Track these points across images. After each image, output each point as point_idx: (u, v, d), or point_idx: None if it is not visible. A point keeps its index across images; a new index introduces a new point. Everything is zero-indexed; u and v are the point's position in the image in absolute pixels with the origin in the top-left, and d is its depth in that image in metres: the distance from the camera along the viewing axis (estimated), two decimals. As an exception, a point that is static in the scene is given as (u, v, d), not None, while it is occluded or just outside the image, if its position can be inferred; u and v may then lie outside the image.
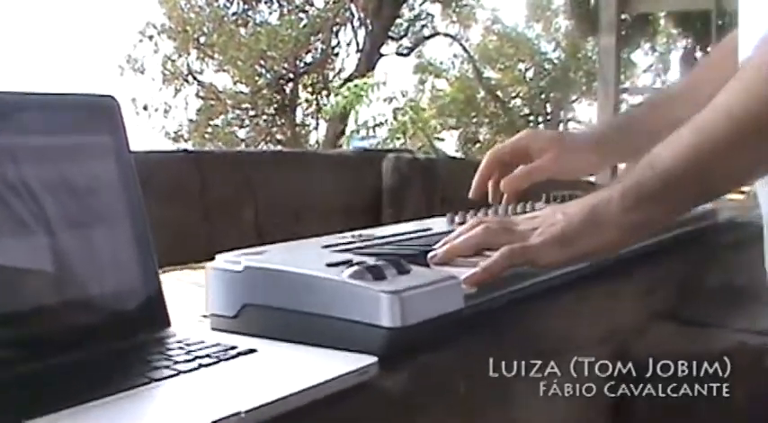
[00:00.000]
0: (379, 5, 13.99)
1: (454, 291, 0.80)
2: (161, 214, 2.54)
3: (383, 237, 1.02)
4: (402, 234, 1.06)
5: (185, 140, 14.65)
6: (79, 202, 0.74)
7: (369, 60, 13.72)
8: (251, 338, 0.75)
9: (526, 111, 16.78)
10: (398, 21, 15.15)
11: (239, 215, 3.00)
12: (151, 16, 15.37)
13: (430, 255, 0.93)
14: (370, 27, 14.32)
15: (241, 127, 14.87)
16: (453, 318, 0.79)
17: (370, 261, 0.78)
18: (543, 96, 16.55)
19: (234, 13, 14.56)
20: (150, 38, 14.94)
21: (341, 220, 3.47)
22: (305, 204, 3.29)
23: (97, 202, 0.75)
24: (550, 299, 1.01)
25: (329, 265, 0.78)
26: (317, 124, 15.03)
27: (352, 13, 14.62)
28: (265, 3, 14.56)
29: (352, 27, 14.69)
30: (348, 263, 0.78)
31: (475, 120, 16.08)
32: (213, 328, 0.81)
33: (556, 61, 16.44)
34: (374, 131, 8.42)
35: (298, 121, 15.06)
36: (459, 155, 13.39)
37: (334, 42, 14.72)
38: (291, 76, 14.63)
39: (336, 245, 0.93)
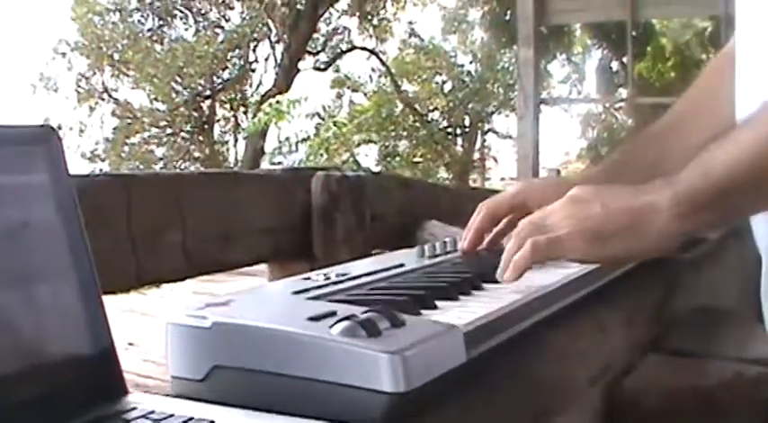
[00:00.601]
0: (295, 20, 13.90)
1: (455, 342, 0.70)
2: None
3: (354, 276, 0.92)
4: (374, 273, 0.96)
5: (101, 160, 14.36)
6: (13, 253, 0.62)
7: (286, 76, 13.62)
8: (222, 407, 0.64)
9: (444, 123, 16.80)
10: (315, 35, 15.08)
11: (167, 239, 2.87)
12: (64, 33, 15.05)
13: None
14: (287, 42, 14.21)
15: (159, 145, 14.63)
16: (457, 373, 0.69)
17: (359, 312, 0.68)
18: (461, 108, 16.58)
19: (149, 30, 14.33)
20: (63, 55, 14.63)
21: (271, 241, 3.36)
22: (234, 225, 3.17)
23: (36, 252, 0.64)
24: (540, 336, 0.92)
25: (312, 318, 0.68)
26: (236, 141, 14.87)
27: (269, 28, 14.51)
28: (181, 19, 14.37)
29: (270, 42, 14.58)
30: (332, 314, 0.68)
31: (393, 133, 16.03)
32: (178, 395, 0.69)
33: (473, 73, 16.49)
34: (296, 147, 8.31)
35: (216, 138, 14.87)
36: (378, 169, 13.34)
37: (251, 58, 14.59)
38: (209, 92, 14.45)
39: (308, 290, 0.83)
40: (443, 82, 16.62)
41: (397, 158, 15.76)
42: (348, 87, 15.87)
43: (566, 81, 15.68)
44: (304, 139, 8.23)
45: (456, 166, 16.41)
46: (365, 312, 0.68)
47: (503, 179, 17.02)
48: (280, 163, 11.88)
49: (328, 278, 0.89)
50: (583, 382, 0.95)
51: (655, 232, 0.90)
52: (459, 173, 16.13)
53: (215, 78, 14.40)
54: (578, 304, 1.02)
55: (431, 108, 16.55)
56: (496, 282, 0.92)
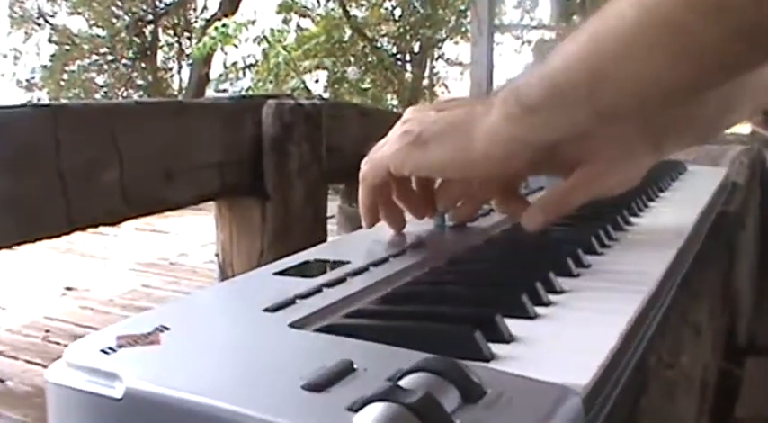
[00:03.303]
0: (240, -58, 13.40)
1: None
2: (7, 185, 2.11)
3: (358, 270, 0.67)
4: (383, 261, 0.71)
5: (39, 89, 13.86)
6: None
7: (232, 0, 13.15)
8: None
9: (394, 50, 16.48)
10: (262, -42, 14.59)
11: (102, 178, 2.63)
12: (-5, -47, 14.39)
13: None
14: (232, -36, 13.72)
15: (99, 73, 14.15)
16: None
17: (399, 367, 0.43)
18: (412, 34, 16.25)
19: (87, -50, 13.75)
20: (-6, -22, 13.99)
21: (217, 177, 3.12)
22: (177, 161, 2.94)
23: None
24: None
25: (311, 387, 0.41)
26: (180, 68, 14.44)
27: (212, -50, 13.99)
28: (120, -61, 13.80)
29: (214, -36, 14.07)
30: (350, 374, 0.42)
31: (342, 59, 15.69)
32: None
33: (424, -2, 16.15)
34: (243, 74, 7.99)
35: (159, 65, 14.43)
36: (326, 96, 13.09)
37: (195, -19, 14.10)
38: (151, 17, 13.96)
39: (295, 303, 0.57)
40: (393, 7, 16.24)
41: (346, 85, 15.45)
42: (295, 12, 15.43)
43: (518, 6, 15.41)
44: (251, 65, 7.91)
45: (406, 92, 16.15)
46: (412, 372, 0.42)
47: (451, 106, 16.92)
48: (225, 90, 11.56)
49: (321, 271, 0.65)
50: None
51: (481, 135, 0.79)
52: (409, 100, 15.89)
53: (157, 2, 13.92)
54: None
55: (381, 34, 16.20)
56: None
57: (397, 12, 16.26)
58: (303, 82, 8.88)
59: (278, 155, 3.25)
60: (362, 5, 16.19)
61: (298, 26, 15.30)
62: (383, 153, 0.85)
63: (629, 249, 0.86)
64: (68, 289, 4.28)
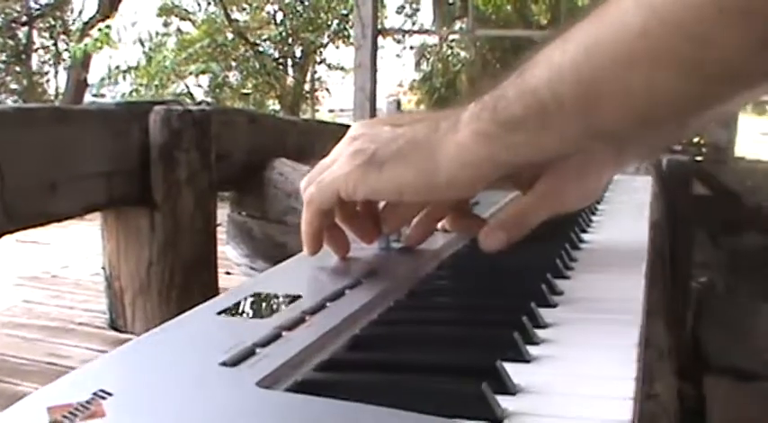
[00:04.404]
0: (117, -58, 13.06)
1: None
2: None
3: (314, 307, 0.58)
4: (338, 295, 0.62)
5: None
6: None
7: (111, 2, 12.81)
8: None
9: (276, 54, 16.33)
10: (140, -41, 14.27)
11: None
12: None
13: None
14: (110, -34, 13.38)
15: (-30, 76, 13.64)
16: None
17: None
18: (294, 39, 16.13)
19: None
20: None
21: (104, 187, 2.98)
22: (60, 171, 2.79)
23: None
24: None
25: None
26: (57, 72, 14.00)
27: (88, -50, 13.60)
28: (-10, -62, 13.31)
29: (91, -35, 13.69)
30: None
31: (224, 64, 15.46)
32: None
33: (306, 3, 16.03)
34: (124, 78, 7.76)
35: (35, 69, 13.97)
36: (208, 100, 12.89)
37: (72, -19, 13.70)
38: (25, 18, 13.51)
39: (250, 354, 0.48)
40: (275, 11, 16.09)
41: (228, 90, 15.22)
42: (176, 15, 15.12)
43: (400, 11, 15.45)
44: (131, 68, 7.69)
45: (288, 97, 16.03)
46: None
47: (331, 111, 16.87)
48: (103, 95, 11.24)
49: (272, 309, 0.55)
50: None
51: (447, 155, 0.69)
52: (291, 105, 15.78)
53: (32, 3, 13.49)
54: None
55: (263, 38, 16.02)
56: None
57: (279, 16, 16.11)
58: (187, 87, 8.69)
59: (166, 163, 3.14)
60: (244, 9, 15.99)
61: (178, 29, 15.02)
62: (333, 175, 0.75)
63: (594, 272, 0.79)
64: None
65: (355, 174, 0.73)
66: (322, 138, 4.36)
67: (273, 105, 15.92)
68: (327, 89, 17.23)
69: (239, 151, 3.72)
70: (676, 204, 2.63)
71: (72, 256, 5.07)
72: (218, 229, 3.43)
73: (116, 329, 3.18)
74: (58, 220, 2.90)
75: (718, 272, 3.53)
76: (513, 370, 0.50)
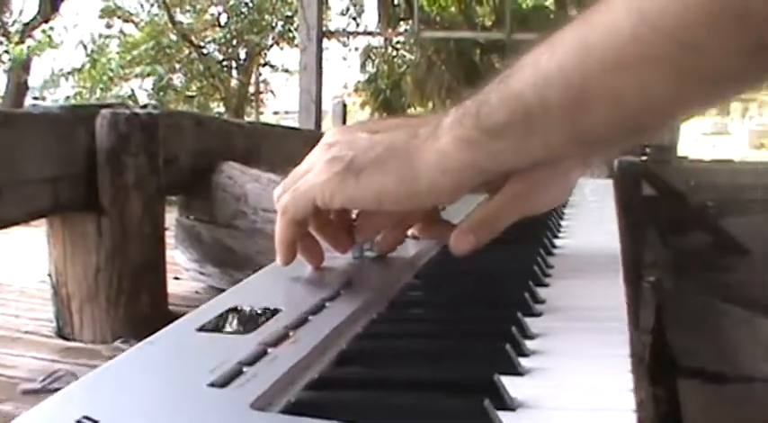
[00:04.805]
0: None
1: None
2: None
3: (296, 322, 0.55)
4: (319, 308, 0.59)
5: None
6: None
7: (52, 2, 12.63)
8: None
9: (221, 56, 16.23)
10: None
11: None
12: None
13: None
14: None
15: None
16: None
17: None
18: (238, 41, 16.04)
19: None
20: None
21: (50, 192, 2.92)
22: (4, 177, 2.73)
23: None
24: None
25: None
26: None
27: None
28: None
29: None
30: None
31: (168, 66, 15.34)
32: None
33: (250, 4, 15.95)
34: (67, 79, 7.66)
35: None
36: (154, 103, 12.76)
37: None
38: (-38, 21, 13.26)
39: (238, 373, 0.45)
40: (219, 13, 15.98)
41: (172, 92, 15.09)
42: (119, 17, 14.95)
43: (344, 13, 15.44)
44: (75, 70, 7.59)
45: (233, 100, 15.95)
46: None
47: (276, 113, 16.83)
48: (44, 98, 11.07)
49: (254, 324, 0.52)
50: None
51: (428, 162, 0.68)
52: (236, 107, 15.71)
53: (-31, 5, 13.25)
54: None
55: (207, 40, 15.91)
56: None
57: (224, 18, 16.01)
58: (133, 91, 8.60)
59: (114, 167, 3.09)
60: (188, 11, 15.86)
61: (121, 31, 14.87)
62: (309, 183, 0.73)
63: (571, 278, 0.78)
64: None
65: (332, 182, 0.70)
66: (269, 140, 4.33)
67: (218, 108, 15.83)
68: (272, 91, 17.19)
69: (186, 155, 3.67)
70: (629, 205, 2.65)
71: (16, 263, 4.98)
72: (167, 233, 3.38)
73: (63, 337, 3.12)
74: (3, 227, 2.84)
75: (666, 271, 3.57)
76: (507, 384, 0.48)
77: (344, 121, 7.88)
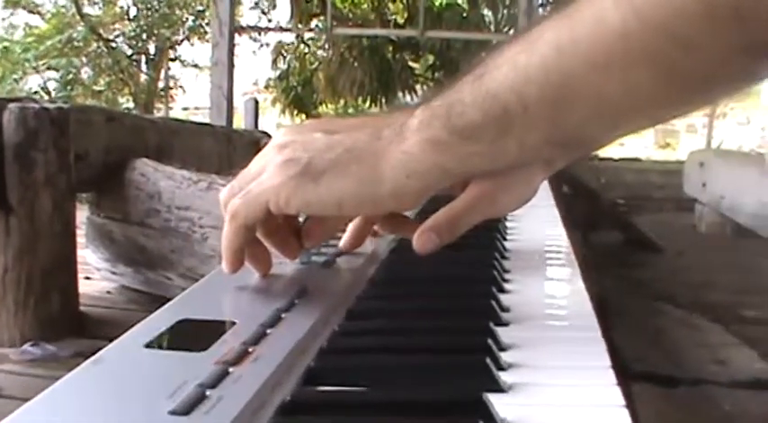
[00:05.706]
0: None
1: None
2: None
3: (254, 336, 0.51)
4: (275, 319, 0.55)
5: None
6: None
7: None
8: None
9: (130, 51, 15.92)
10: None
11: None
12: None
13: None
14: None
15: None
16: None
17: None
18: (148, 35, 15.76)
19: None
20: None
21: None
22: None
23: None
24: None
25: None
26: None
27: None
28: None
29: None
30: None
31: (75, 59, 14.98)
32: None
33: (160, -2, 15.70)
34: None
35: None
36: (60, 97, 12.49)
37: None
38: None
39: (201, 398, 0.41)
40: (129, 6, 15.68)
41: (79, 87, 14.75)
42: (23, 7, 14.55)
43: (255, 8, 15.28)
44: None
45: (142, 95, 15.68)
46: None
47: (185, 109, 16.63)
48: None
49: (208, 340, 0.47)
50: None
51: (392, 165, 0.64)
52: (145, 102, 15.45)
53: None
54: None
55: (116, 34, 15.58)
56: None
57: (133, 11, 15.71)
58: (44, 84, 8.38)
59: (22, 164, 2.99)
60: (96, 3, 15.53)
61: (26, 23, 14.47)
62: (262, 186, 0.68)
63: (528, 283, 0.74)
64: None
65: (288, 186, 0.66)
66: (181, 137, 4.24)
67: (127, 103, 15.55)
68: (182, 87, 16.95)
69: (97, 151, 3.58)
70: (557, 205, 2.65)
71: None
72: (77, 232, 3.28)
73: (-30, 341, 3.00)
74: None
75: (595, 270, 3.59)
76: (493, 401, 0.44)
77: (257, 118, 7.80)
